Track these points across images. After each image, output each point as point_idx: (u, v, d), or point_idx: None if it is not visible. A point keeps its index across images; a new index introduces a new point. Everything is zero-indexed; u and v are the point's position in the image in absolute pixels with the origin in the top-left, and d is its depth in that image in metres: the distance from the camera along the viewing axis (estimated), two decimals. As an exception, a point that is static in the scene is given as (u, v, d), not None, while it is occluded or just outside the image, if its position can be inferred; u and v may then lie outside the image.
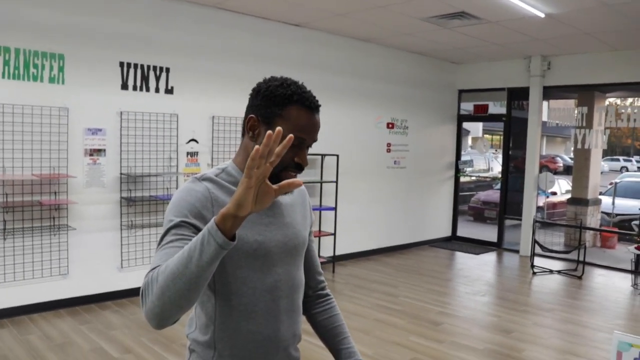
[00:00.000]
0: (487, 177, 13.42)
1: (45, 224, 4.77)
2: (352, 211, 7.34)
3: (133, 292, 5.32)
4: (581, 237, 7.33)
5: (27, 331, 4.37)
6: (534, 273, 7.05)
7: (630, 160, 26.17)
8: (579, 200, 9.37)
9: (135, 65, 5.22)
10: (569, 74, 7.75)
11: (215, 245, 1.07)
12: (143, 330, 4.48)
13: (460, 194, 9.74)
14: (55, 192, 4.77)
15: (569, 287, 6.45)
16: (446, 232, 9.21)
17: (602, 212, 10.01)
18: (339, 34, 6.95)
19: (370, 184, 7.69)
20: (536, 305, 5.64)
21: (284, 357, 1.46)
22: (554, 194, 10.77)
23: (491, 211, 11.25)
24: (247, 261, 1.35)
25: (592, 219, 9.40)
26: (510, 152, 8.80)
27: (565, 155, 22.31)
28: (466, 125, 9.92)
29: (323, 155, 6.76)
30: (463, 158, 9.60)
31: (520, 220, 8.26)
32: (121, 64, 5.13)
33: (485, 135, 20.68)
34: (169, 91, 5.45)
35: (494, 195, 11.44)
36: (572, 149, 8.62)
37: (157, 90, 5.37)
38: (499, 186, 10.00)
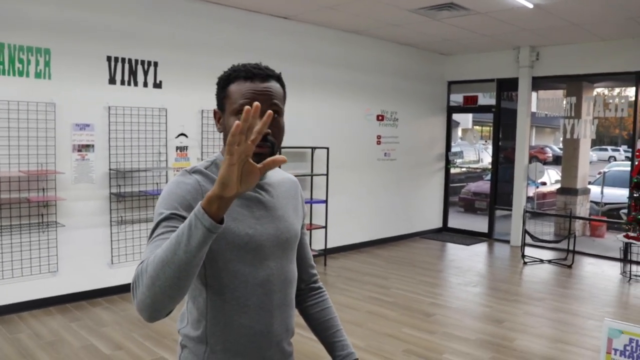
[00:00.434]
0: (477, 168, 13.48)
1: (34, 221, 4.73)
2: (343, 204, 7.34)
3: (124, 289, 5.29)
4: (571, 227, 7.38)
5: (17, 330, 4.33)
6: (525, 263, 7.10)
7: (618, 150, 26.37)
8: (568, 190, 9.44)
9: (123, 60, 5.17)
10: (558, 65, 7.78)
11: (202, 228, 1.04)
12: (134, 326, 4.46)
13: (451, 185, 9.77)
14: (43, 189, 4.73)
15: (559, 276, 6.50)
16: (437, 223, 9.24)
17: (591, 202, 10.09)
18: (328, 26, 6.92)
19: (360, 177, 7.70)
20: (527, 295, 5.68)
21: (277, 351, 1.45)
22: (544, 184, 10.84)
23: (481, 202, 11.31)
24: (238, 255, 1.34)
25: (582, 208, 9.47)
26: (500, 143, 8.83)
27: (554, 146, 22.46)
28: (456, 116, 9.94)
29: (313, 148, 6.75)
30: (453, 149, 9.63)
31: (511, 210, 8.30)
32: (108, 58, 5.07)
33: (474, 127, 20.75)
34: (158, 85, 5.41)
35: (484, 186, 11.49)
36: (561, 139, 8.66)
37: (145, 84, 5.33)
38: (489, 177, 10.05)
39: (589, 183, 10.33)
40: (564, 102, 8.00)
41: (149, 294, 1.10)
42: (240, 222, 1.34)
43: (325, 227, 6.78)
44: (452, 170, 9.95)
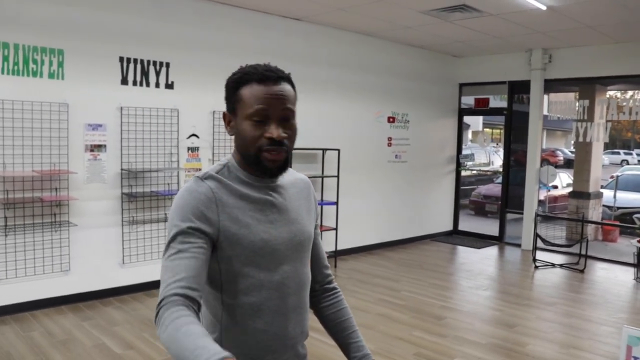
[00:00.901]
0: (487, 171, 13.41)
1: (47, 220, 4.76)
2: (353, 205, 7.33)
3: (135, 288, 5.31)
4: (583, 231, 7.31)
5: (30, 328, 4.36)
6: (536, 267, 7.05)
7: (631, 154, 26.15)
8: (580, 193, 9.36)
9: (135, 60, 5.19)
10: (570, 67, 7.72)
11: None
12: (145, 325, 4.48)
13: (461, 188, 9.72)
14: (56, 188, 4.75)
15: (572, 281, 6.44)
16: (447, 226, 9.20)
17: (604, 206, 10.01)
18: (339, 28, 6.91)
19: (371, 179, 7.68)
20: (539, 299, 5.63)
21: (292, 355, 1.44)
22: (555, 187, 10.76)
23: (492, 205, 11.25)
24: (253, 260, 1.33)
25: (594, 212, 9.39)
26: (511, 146, 8.78)
27: (565, 149, 22.30)
28: (466, 119, 9.90)
29: (324, 150, 6.74)
30: (464, 152, 9.58)
31: (522, 214, 8.24)
32: (121, 59, 5.10)
33: (485, 129, 20.66)
34: (169, 86, 5.43)
35: (494, 189, 11.43)
36: (573, 142, 8.59)
37: (157, 85, 5.35)
38: (499, 180, 9.99)
39: (602, 187, 10.24)
40: (577, 105, 7.94)
41: (166, 346, 1.14)
42: (254, 227, 1.33)
43: (336, 228, 6.77)
44: (463, 173, 9.91)
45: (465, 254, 7.86)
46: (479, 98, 9.07)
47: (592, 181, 9.33)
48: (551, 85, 8.23)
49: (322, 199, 6.80)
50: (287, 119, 1.33)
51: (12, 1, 4.44)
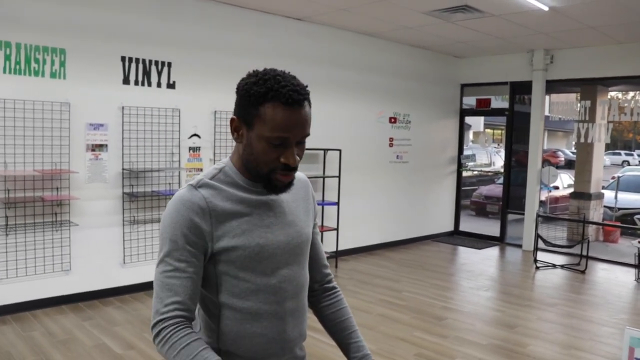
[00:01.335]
0: (489, 172, 13.40)
1: (48, 219, 4.76)
2: (354, 206, 7.32)
3: (136, 288, 5.31)
4: (584, 232, 7.31)
5: (30, 327, 4.36)
6: (537, 267, 7.04)
7: (632, 154, 26.14)
8: (581, 194, 9.35)
9: (137, 60, 5.19)
10: (572, 68, 7.71)
11: None
12: (146, 326, 4.47)
13: (463, 188, 9.71)
14: (57, 188, 4.76)
15: (573, 282, 6.43)
16: (449, 226, 9.19)
17: (605, 206, 10.00)
18: (342, 28, 6.91)
19: (372, 179, 7.67)
20: (540, 300, 5.62)
21: (290, 357, 1.44)
22: (556, 188, 10.75)
23: (493, 206, 11.24)
24: (250, 265, 1.33)
25: (595, 213, 9.38)
26: (512, 147, 8.77)
27: (566, 150, 22.27)
28: (467, 119, 9.89)
29: (325, 150, 6.74)
30: (465, 152, 9.58)
31: (523, 214, 8.24)
32: (123, 59, 5.10)
33: (486, 130, 20.66)
34: (171, 86, 5.43)
35: (496, 189, 11.42)
36: (574, 142, 8.59)
37: (159, 85, 5.35)
38: (501, 180, 9.98)
39: (603, 187, 10.23)
40: (578, 105, 7.93)
41: None
42: (250, 232, 1.32)
43: (337, 229, 6.77)
44: (464, 174, 9.90)
45: (466, 254, 7.86)
46: (480, 99, 9.06)
47: (593, 182, 9.32)
48: (553, 86, 8.22)
49: (323, 199, 6.79)
50: (300, 142, 1.31)
51: (14, 0, 4.44)
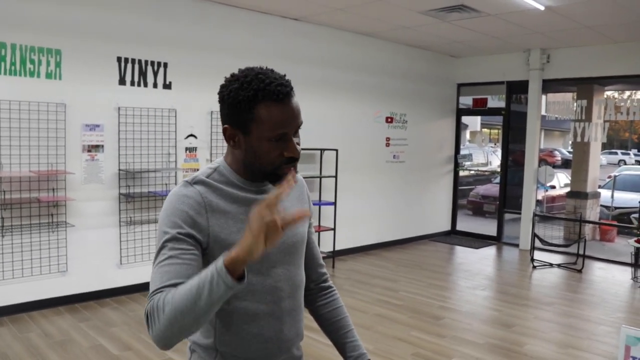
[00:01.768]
0: (485, 171, 13.42)
1: (44, 220, 4.74)
2: (351, 206, 7.32)
3: (132, 289, 5.30)
4: (581, 231, 7.32)
5: (27, 329, 4.34)
6: (534, 267, 7.05)
7: (628, 154, 26.20)
8: (578, 193, 9.36)
9: (133, 61, 5.18)
10: (569, 67, 7.73)
11: (224, 287, 1.09)
12: (143, 327, 4.45)
13: (459, 188, 9.72)
14: (53, 189, 4.74)
15: (569, 281, 6.44)
16: (446, 226, 9.20)
17: (601, 206, 10.02)
18: (338, 28, 6.91)
19: (369, 179, 7.67)
20: (537, 299, 5.63)
21: (287, 357, 1.44)
22: (553, 187, 10.77)
23: (490, 205, 11.25)
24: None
25: (592, 212, 9.40)
26: (509, 146, 8.79)
27: (563, 149, 22.32)
28: (464, 119, 9.89)
29: (322, 150, 6.74)
30: (462, 152, 9.58)
31: (520, 214, 8.25)
32: (119, 59, 5.09)
33: (483, 129, 20.68)
34: (167, 86, 5.42)
35: (492, 189, 11.43)
36: (571, 142, 8.60)
37: (155, 85, 5.33)
38: (497, 180, 9.99)
39: (599, 187, 10.25)
40: (575, 105, 7.94)
41: (167, 332, 1.14)
42: (245, 230, 1.32)
43: (334, 229, 6.77)
44: (461, 173, 9.91)
45: (463, 254, 7.86)
46: (477, 98, 9.07)
47: (590, 181, 9.34)
48: (549, 86, 8.23)
49: (320, 199, 6.79)
50: (297, 131, 1.33)
51: (9, 1, 4.43)
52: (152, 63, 5.31)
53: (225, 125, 1.31)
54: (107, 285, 5.18)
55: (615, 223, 9.88)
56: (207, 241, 1.28)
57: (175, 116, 5.47)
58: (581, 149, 9.26)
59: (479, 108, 9.09)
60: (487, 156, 14.20)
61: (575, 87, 8.80)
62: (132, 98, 5.18)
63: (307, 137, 6.52)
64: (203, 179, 1.32)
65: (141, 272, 5.33)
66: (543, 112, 8.66)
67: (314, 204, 6.19)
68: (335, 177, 6.77)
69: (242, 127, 1.27)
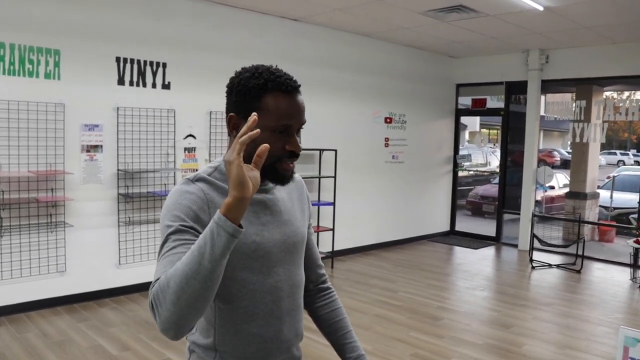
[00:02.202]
0: (484, 172, 13.42)
1: (42, 221, 4.74)
2: (350, 206, 7.32)
3: (131, 289, 5.29)
4: (580, 231, 7.33)
5: (25, 329, 4.34)
6: (533, 267, 7.05)
7: (627, 154, 26.22)
8: (577, 194, 9.37)
9: (132, 61, 5.17)
10: (568, 68, 7.73)
11: (226, 235, 1.06)
12: (141, 327, 4.46)
13: (458, 188, 9.72)
14: (52, 189, 4.74)
15: (568, 281, 6.45)
16: (444, 226, 9.20)
17: (600, 206, 10.02)
18: (337, 28, 6.91)
19: (368, 179, 7.67)
20: (536, 300, 5.63)
21: (287, 357, 1.43)
22: (552, 188, 10.78)
23: (489, 205, 11.25)
24: (246, 263, 1.31)
25: (590, 212, 9.41)
26: (508, 147, 8.79)
27: (562, 149, 22.33)
28: (463, 119, 9.90)
29: (321, 150, 6.74)
30: (461, 152, 9.59)
31: (519, 214, 8.25)
32: (117, 59, 5.08)
33: (482, 130, 20.69)
34: (166, 86, 5.41)
35: (491, 189, 11.44)
36: (570, 142, 8.60)
37: (154, 85, 5.33)
38: (496, 180, 9.99)
39: (598, 187, 10.26)
40: (574, 105, 7.95)
41: (174, 309, 1.08)
42: (246, 229, 1.29)
43: (333, 229, 6.77)
44: (460, 174, 9.91)
45: (462, 254, 7.86)
46: (476, 99, 9.07)
47: (589, 182, 9.35)
48: (548, 86, 8.23)
49: (319, 200, 6.79)
50: (299, 130, 1.33)
51: (8, 1, 4.42)
52: (151, 63, 5.30)
53: (231, 114, 1.32)
54: (105, 285, 5.17)
55: (614, 223, 9.88)
56: None
57: (174, 116, 5.46)
58: (580, 149, 9.27)
59: (478, 108, 9.09)
60: (486, 156, 14.22)
61: (574, 87, 8.82)
62: (131, 98, 5.17)
63: (306, 137, 6.50)
64: (204, 177, 1.32)
65: (140, 272, 5.32)
66: (542, 113, 8.67)
67: (312, 204, 6.19)
68: (334, 177, 6.77)
69: (248, 115, 1.26)
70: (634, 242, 6.38)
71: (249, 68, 1.32)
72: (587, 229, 9.20)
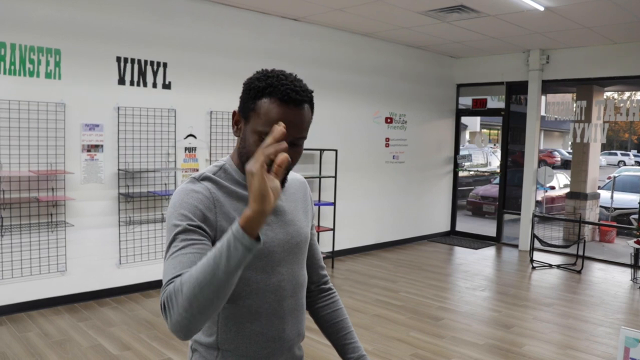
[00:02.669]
0: (485, 172, 13.42)
1: (43, 220, 4.74)
2: (351, 206, 7.32)
3: (132, 289, 5.30)
4: (580, 232, 7.32)
5: (26, 328, 4.34)
6: (534, 267, 7.05)
7: (628, 155, 26.22)
8: (577, 194, 9.37)
9: (132, 60, 5.18)
10: (568, 68, 7.73)
11: (242, 249, 1.04)
12: (142, 326, 4.46)
13: (459, 188, 9.72)
14: (52, 189, 4.74)
15: (569, 282, 6.45)
16: (445, 226, 9.20)
17: (601, 207, 10.02)
18: (337, 28, 6.91)
19: (369, 179, 7.67)
20: (536, 300, 5.63)
21: (288, 357, 1.43)
22: (552, 188, 10.78)
23: (489, 206, 11.26)
24: (250, 262, 1.32)
25: (591, 213, 9.41)
26: (508, 147, 8.79)
27: (562, 150, 22.34)
28: (464, 120, 9.90)
29: (322, 150, 6.74)
30: (462, 153, 9.59)
31: (519, 214, 8.25)
32: (118, 59, 5.08)
33: (482, 130, 20.70)
34: (167, 86, 5.41)
35: (492, 189, 11.44)
36: (571, 143, 8.60)
37: (154, 85, 5.33)
38: (497, 181, 9.99)
39: (599, 188, 10.25)
40: (574, 105, 7.95)
41: (186, 315, 1.09)
42: None
43: (333, 229, 6.77)
44: (460, 174, 9.91)
45: (463, 254, 7.86)
46: (476, 99, 9.07)
47: (590, 182, 9.35)
48: (549, 86, 8.24)
49: (319, 200, 6.79)
50: (295, 144, 1.29)
51: (9, 1, 4.42)
52: (152, 63, 5.30)
53: (235, 110, 1.34)
54: (106, 285, 5.18)
55: (614, 224, 9.89)
56: (214, 237, 1.27)
57: (175, 116, 5.47)
58: (581, 149, 9.27)
59: (479, 109, 9.09)
60: (486, 157, 14.22)
61: (574, 87, 8.82)
62: (132, 98, 5.18)
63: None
64: (210, 176, 1.33)
65: (141, 271, 5.33)
66: (542, 113, 8.66)
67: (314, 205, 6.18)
68: (335, 177, 6.77)
69: (245, 114, 1.29)
70: (635, 242, 6.37)
71: (265, 70, 1.31)
72: (587, 230, 9.20)
